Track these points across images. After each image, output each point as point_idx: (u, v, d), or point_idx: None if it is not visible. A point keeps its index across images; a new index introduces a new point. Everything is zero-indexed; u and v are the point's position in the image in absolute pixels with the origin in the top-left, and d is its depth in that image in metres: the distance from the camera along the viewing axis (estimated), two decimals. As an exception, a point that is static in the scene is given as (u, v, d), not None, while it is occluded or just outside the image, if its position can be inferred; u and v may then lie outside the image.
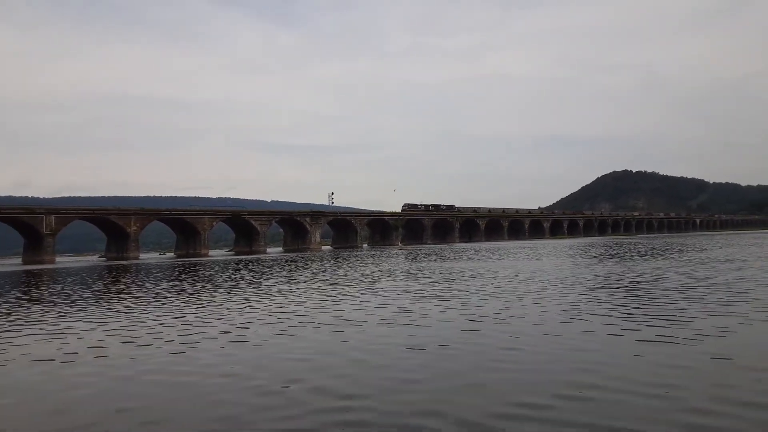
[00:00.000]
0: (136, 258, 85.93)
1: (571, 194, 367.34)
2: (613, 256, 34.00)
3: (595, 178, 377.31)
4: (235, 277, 27.01)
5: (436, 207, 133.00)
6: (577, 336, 8.71)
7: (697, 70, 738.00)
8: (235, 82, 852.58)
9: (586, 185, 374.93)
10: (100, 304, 16.75)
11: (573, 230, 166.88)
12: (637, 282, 16.68)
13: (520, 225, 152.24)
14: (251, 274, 29.81)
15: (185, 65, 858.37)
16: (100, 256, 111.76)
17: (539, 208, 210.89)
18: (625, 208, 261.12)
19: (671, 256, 31.56)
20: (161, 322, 12.09)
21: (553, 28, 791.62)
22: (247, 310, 13.71)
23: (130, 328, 11.39)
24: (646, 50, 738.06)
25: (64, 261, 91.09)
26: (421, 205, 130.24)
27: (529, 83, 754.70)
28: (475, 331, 9.50)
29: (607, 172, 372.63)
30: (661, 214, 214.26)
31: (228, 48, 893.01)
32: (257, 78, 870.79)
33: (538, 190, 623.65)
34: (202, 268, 39.17)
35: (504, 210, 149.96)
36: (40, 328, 11.82)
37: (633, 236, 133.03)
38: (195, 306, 14.96)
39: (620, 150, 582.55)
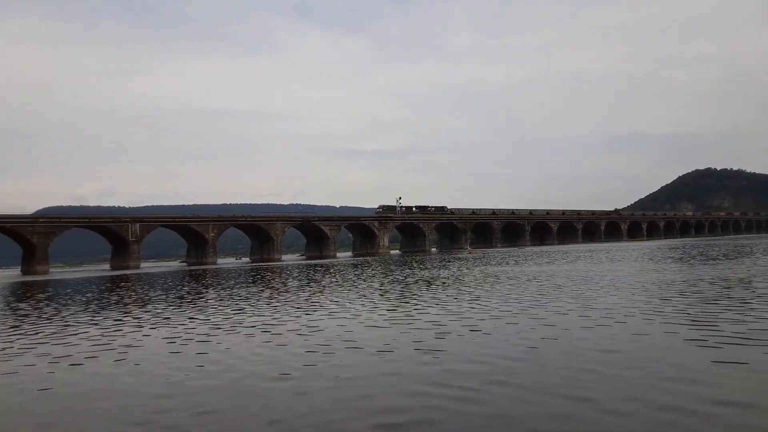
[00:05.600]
0: (215, 263, 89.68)
1: (651, 194, 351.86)
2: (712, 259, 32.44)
3: (676, 177, 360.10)
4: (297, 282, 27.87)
5: (422, 209, 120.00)
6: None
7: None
8: (304, 89, 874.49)
9: (667, 184, 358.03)
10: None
11: (653, 232, 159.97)
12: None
13: (595, 227, 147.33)
14: (324, 278, 30.63)
15: (256, 76, 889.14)
16: (181, 261, 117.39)
17: (616, 209, 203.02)
18: (709, 208, 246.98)
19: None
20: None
21: (626, 21, 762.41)
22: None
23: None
24: (727, 42, 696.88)
25: (148, 266, 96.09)
26: (400, 207, 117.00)
27: (601, 80, 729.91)
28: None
29: (689, 171, 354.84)
30: (750, 214, 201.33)
31: (297, 57, 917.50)
32: (326, 85, 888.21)
33: (615, 191, 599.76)
34: (270, 273, 40.58)
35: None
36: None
37: (719, 237, 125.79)
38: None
39: (702, 147, 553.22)
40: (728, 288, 15.07)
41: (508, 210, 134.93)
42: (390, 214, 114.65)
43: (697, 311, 11.05)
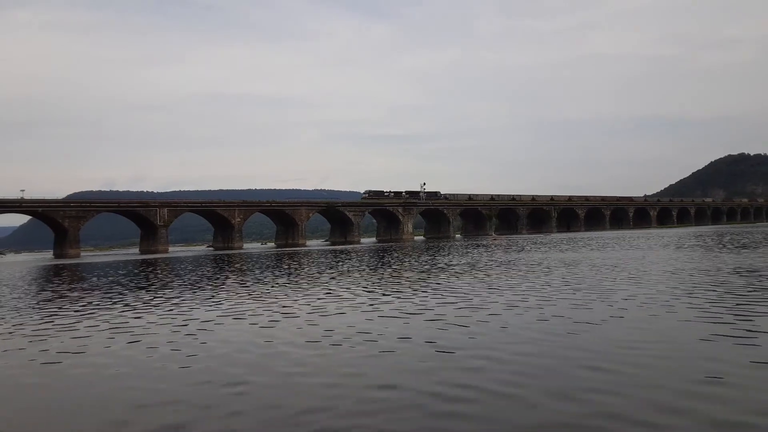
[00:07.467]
0: (240, 248, 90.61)
1: (681, 180, 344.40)
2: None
3: (708, 162, 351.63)
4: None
5: (413, 194, 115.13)
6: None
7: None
8: (328, 76, 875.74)
9: (698, 170, 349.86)
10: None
11: (683, 218, 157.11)
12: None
13: (623, 213, 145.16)
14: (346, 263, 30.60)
15: (280, 62, 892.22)
16: (208, 246, 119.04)
17: (644, 195, 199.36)
18: (742, 195, 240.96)
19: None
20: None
21: (659, 3, 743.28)
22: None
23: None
24: (763, 22, 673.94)
25: (176, 251, 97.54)
26: (389, 192, 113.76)
27: (631, 63, 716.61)
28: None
29: (721, 156, 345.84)
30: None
31: (321, 43, 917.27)
32: (350, 71, 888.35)
33: (644, 176, 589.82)
34: (299, 257, 40.70)
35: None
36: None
37: (752, 225, 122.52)
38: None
39: (735, 132, 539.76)
40: (760, 279, 14.48)
41: (509, 195, 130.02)
42: (376, 199, 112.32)
43: (731, 304, 10.60)
